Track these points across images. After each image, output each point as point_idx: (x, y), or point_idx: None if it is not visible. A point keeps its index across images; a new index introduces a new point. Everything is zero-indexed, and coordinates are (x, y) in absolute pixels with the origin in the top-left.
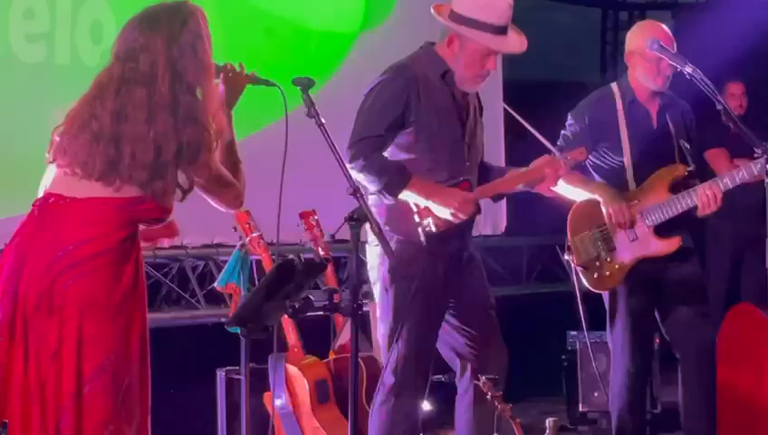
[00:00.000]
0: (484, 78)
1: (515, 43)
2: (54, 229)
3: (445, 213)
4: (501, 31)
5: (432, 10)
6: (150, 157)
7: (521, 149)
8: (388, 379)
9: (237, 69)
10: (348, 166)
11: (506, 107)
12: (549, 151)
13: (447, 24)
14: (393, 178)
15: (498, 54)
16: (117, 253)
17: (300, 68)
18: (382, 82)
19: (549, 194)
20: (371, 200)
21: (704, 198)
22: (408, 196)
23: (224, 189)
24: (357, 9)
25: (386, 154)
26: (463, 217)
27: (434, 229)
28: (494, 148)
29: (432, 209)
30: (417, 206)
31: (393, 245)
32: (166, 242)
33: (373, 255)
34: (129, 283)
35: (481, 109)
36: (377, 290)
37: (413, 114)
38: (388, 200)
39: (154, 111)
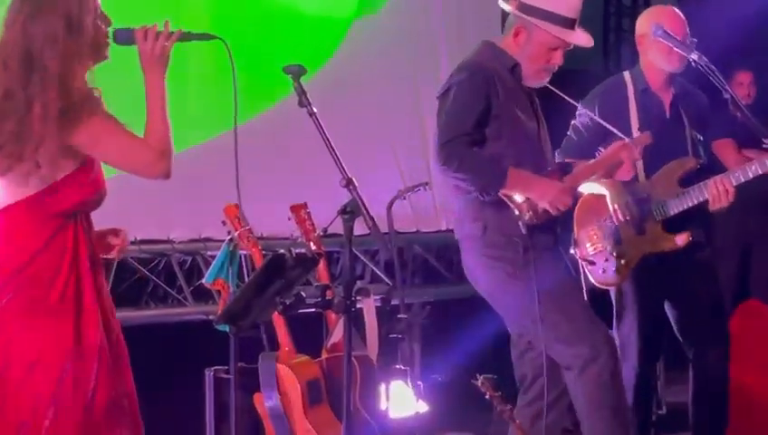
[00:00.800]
0: (550, 73)
1: (584, 37)
2: None
3: (544, 204)
4: (571, 24)
5: (501, 2)
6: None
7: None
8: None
9: (160, 29)
10: (441, 168)
11: (557, 91)
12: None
13: (517, 14)
14: (493, 174)
15: (565, 48)
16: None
17: (293, 55)
18: (459, 82)
19: (627, 178)
20: (463, 203)
21: (714, 191)
22: (506, 190)
23: (127, 156)
24: None
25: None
26: (562, 207)
27: (535, 221)
28: None
29: (532, 201)
30: (513, 201)
31: (497, 246)
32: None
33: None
34: (61, 286)
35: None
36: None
37: (495, 109)
38: (489, 197)
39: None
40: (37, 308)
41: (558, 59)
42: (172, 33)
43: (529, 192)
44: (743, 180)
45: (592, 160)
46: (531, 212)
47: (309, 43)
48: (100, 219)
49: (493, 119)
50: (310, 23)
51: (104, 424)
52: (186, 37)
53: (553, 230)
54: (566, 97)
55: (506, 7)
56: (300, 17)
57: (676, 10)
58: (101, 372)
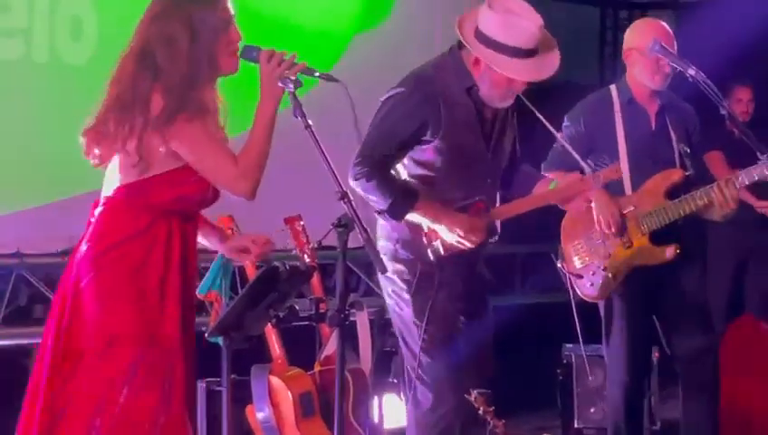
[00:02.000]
0: (513, 96)
1: (540, 69)
2: None
3: (452, 238)
4: (528, 54)
5: (456, 28)
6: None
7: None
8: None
9: (285, 57)
10: (353, 181)
11: (537, 113)
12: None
13: (472, 46)
14: (398, 201)
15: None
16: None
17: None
18: (398, 96)
19: (577, 212)
20: (381, 224)
21: (720, 197)
22: (414, 217)
23: (212, 168)
24: (353, 9)
25: (401, 168)
26: (470, 245)
27: (442, 252)
28: None
29: (440, 233)
30: (426, 227)
31: (405, 263)
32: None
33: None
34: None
35: (513, 112)
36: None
37: (431, 130)
38: (395, 221)
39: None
40: (116, 293)
41: (519, 88)
42: (296, 63)
43: (437, 225)
44: (747, 183)
45: (545, 190)
46: (439, 241)
47: (307, 56)
48: None
49: (428, 140)
50: (309, 36)
51: (180, 420)
52: (307, 72)
53: (471, 263)
54: (537, 112)
55: (460, 35)
56: (299, 30)
57: (665, 24)
58: (178, 365)
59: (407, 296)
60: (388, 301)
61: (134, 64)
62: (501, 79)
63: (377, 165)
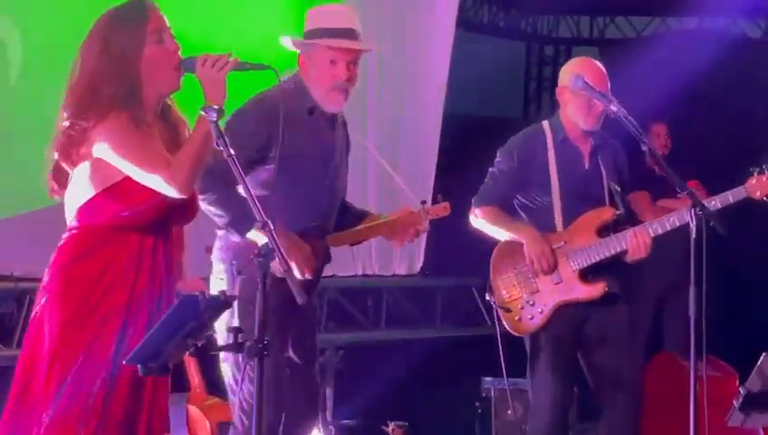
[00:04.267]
0: (342, 92)
1: (354, 42)
2: None
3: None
4: (346, 34)
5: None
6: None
7: None
8: None
9: (217, 59)
10: (199, 196)
11: (370, 148)
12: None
13: (296, 45)
14: (243, 221)
15: (348, 60)
16: None
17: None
18: (241, 114)
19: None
20: (219, 235)
21: (633, 242)
22: (255, 235)
23: (139, 166)
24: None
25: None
26: (305, 274)
27: (277, 275)
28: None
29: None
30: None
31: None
32: None
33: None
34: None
35: (348, 146)
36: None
37: (272, 151)
38: (235, 237)
39: None
40: (67, 310)
41: (342, 72)
42: (228, 61)
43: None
44: (660, 232)
45: (375, 220)
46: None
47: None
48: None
49: (270, 160)
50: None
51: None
52: (241, 66)
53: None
54: (386, 165)
55: (289, 45)
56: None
57: (598, 63)
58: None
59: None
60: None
61: (67, 93)
62: (323, 70)
63: (219, 181)
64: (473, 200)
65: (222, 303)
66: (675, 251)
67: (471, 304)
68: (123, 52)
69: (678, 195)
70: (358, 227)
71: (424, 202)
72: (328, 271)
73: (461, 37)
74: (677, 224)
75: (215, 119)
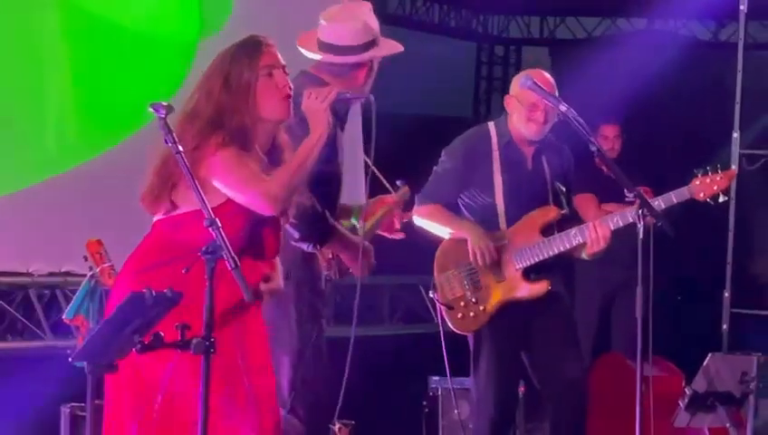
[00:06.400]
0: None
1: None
2: None
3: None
4: (366, 48)
5: (300, 47)
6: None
7: None
8: None
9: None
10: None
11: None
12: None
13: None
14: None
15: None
16: None
17: (148, 81)
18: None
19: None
20: None
21: (593, 234)
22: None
23: (240, 188)
24: (191, 15)
25: None
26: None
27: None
28: None
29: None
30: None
31: None
32: None
33: None
34: None
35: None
36: None
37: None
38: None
39: None
40: None
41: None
42: (329, 94)
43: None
44: (621, 224)
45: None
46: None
47: (161, 68)
48: None
49: None
50: (159, 47)
51: None
52: (340, 97)
53: None
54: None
55: (308, 53)
56: (150, 42)
57: (547, 74)
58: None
59: None
60: None
61: (179, 124)
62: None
63: None
64: (416, 198)
65: (169, 299)
66: (622, 251)
67: (418, 302)
68: (242, 85)
69: (626, 198)
70: (370, 222)
71: (395, 189)
72: None
73: (412, 36)
74: (620, 224)
75: (164, 115)
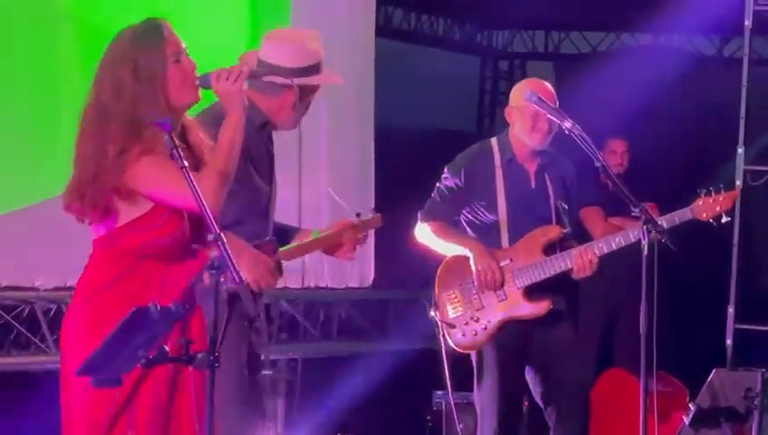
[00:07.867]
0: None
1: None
2: None
3: (248, 277)
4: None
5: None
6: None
7: None
8: None
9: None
10: None
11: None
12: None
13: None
14: None
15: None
16: None
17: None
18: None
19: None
20: None
21: (579, 261)
22: None
23: (178, 195)
24: (244, 25)
25: None
26: (266, 286)
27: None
28: None
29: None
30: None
31: None
32: None
33: None
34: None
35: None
36: None
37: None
38: None
39: None
40: (90, 337)
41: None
42: (240, 72)
43: (238, 261)
44: (606, 251)
45: (311, 238)
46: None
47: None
48: None
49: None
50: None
51: None
52: (253, 75)
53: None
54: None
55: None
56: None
57: (548, 84)
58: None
59: None
60: None
61: (90, 119)
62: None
63: None
64: (419, 215)
65: (174, 314)
66: (626, 267)
67: (423, 318)
68: (153, 75)
69: (632, 212)
70: (305, 241)
71: (358, 214)
72: (279, 283)
73: (416, 51)
74: (623, 244)
75: (170, 129)
